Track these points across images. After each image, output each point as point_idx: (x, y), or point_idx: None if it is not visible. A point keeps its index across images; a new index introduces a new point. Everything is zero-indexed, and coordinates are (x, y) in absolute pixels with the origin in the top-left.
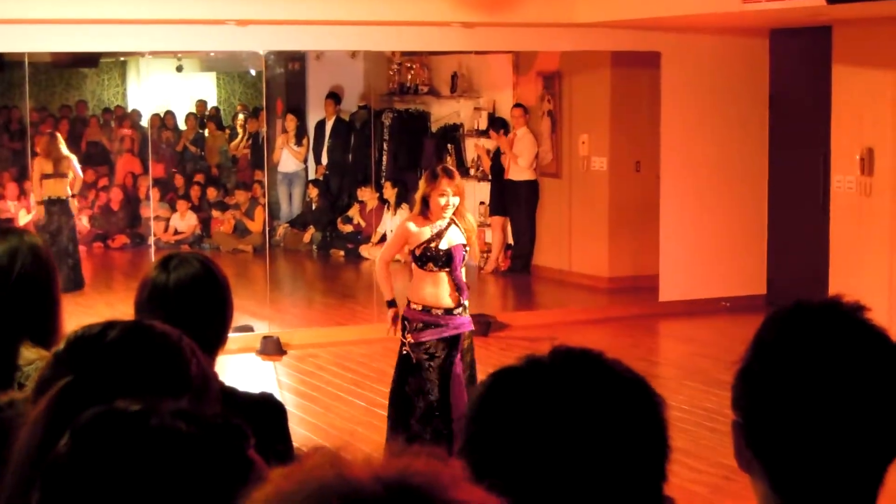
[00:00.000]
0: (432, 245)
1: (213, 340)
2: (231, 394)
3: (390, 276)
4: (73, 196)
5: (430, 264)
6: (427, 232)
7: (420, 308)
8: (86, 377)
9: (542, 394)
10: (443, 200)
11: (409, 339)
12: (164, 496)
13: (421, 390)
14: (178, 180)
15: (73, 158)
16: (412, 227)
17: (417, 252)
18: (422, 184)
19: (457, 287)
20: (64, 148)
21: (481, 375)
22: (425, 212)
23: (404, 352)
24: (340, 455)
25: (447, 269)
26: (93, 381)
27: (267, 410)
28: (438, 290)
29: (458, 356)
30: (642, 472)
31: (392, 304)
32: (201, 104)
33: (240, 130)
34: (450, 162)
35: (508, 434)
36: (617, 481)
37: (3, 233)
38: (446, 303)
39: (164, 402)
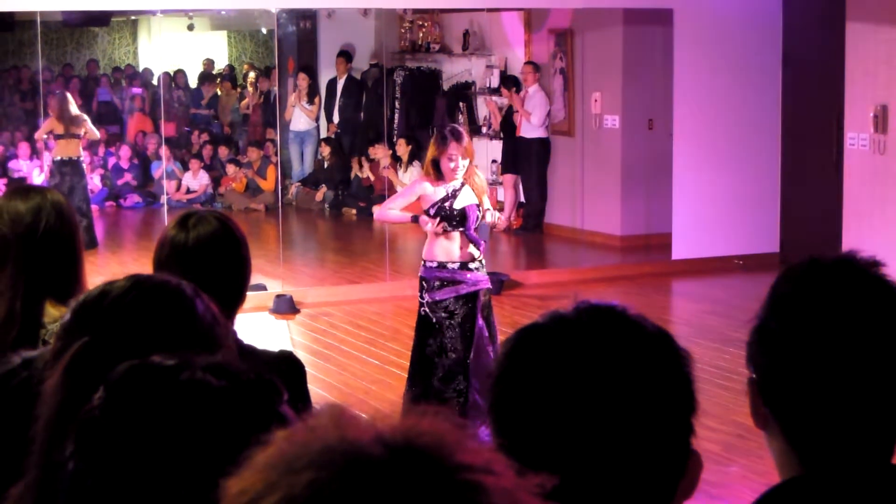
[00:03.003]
0: (446, 205)
1: (233, 298)
2: (250, 352)
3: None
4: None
5: (444, 224)
6: (442, 191)
7: (435, 265)
8: (95, 341)
9: (568, 350)
10: (451, 164)
11: (427, 298)
12: (195, 449)
13: (443, 349)
14: (190, 139)
15: (87, 118)
16: (427, 186)
17: (431, 212)
18: (431, 147)
19: (472, 242)
20: (74, 108)
21: (497, 333)
22: (438, 174)
23: (423, 312)
24: (344, 414)
25: (461, 230)
26: (103, 343)
27: (287, 368)
28: (452, 245)
29: (479, 312)
30: (671, 426)
31: (416, 217)
32: (208, 62)
33: (251, 89)
34: (461, 120)
35: (536, 391)
36: (646, 435)
37: (26, 191)
38: (460, 257)
39: (198, 356)
